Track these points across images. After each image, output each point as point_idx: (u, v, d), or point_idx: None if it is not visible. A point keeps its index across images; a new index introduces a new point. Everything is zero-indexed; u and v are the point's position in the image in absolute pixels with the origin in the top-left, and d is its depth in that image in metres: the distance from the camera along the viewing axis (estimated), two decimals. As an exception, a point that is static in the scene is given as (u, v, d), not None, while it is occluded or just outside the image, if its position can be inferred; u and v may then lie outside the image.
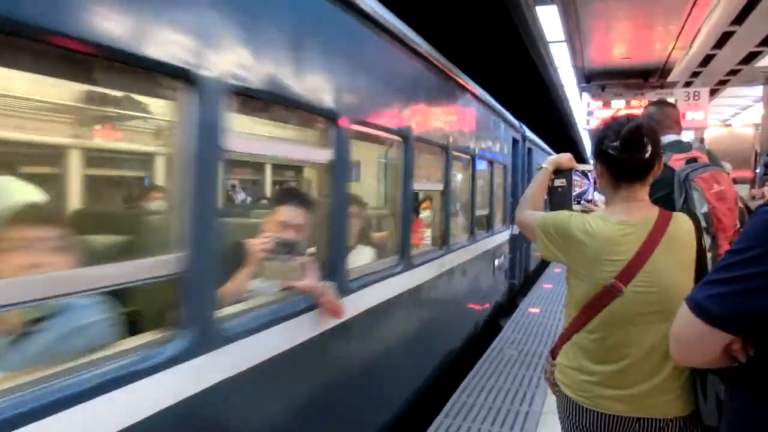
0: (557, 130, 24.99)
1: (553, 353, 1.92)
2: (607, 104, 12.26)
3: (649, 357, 1.66)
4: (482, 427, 3.93)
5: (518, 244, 8.79)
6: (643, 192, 1.76)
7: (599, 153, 1.76)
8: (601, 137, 1.75)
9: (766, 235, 1.06)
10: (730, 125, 20.36)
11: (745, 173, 15.22)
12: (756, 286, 1.05)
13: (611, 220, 1.72)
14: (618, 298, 1.65)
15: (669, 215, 1.73)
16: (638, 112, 2.95)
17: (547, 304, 8.08)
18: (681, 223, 1.73)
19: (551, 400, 4.41)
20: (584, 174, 27.36)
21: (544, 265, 11.61)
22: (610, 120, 1.78)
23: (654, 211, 1.73)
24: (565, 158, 2.16)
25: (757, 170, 14.90)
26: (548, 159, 2.17)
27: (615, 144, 1.69)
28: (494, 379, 4.92)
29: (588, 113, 12.74)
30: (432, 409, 4.35)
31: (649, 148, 1.69)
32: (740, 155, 16.28)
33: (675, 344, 1.22)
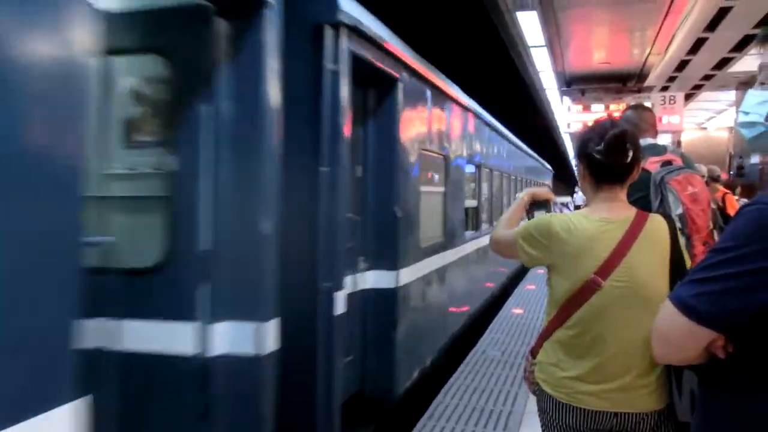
0: (540, 132, 25.27)
1: (533, 352, 1.96)
2: (587, 108, 12.47)
3: (625, 352, 1.72)
4: (466, 428, 3.96)
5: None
6: (623, 193, 1.84)
7: (583, 156, 1.83)
8: (585, 140, 1.82)
9: (751, 233, 1.08)
10: (705, 129, 20.81)
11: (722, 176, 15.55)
12: (741, 285, 1.07)
13: (592, 218, 1.80)
14: (597, 292, 1.71)
15: (646, 215, 1.81)
16: (616, 115, 3.03)
17: (530, 305, 8.17)
18: (657, 224, 1.81)
19: (534, 400, 4.47)
20: (565, 206, 27.26)
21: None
22: (595, 124, 1.86)
23: (632, 211, 1.81)
24: (543, 191, 2.21)
25: (731, 172, 15.26)
26: (525, 190, 2.20)
27: (599, 148, 1.76)
28: (478, 379, 4.96)
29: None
30: (416, 411, 4.37)
31: (631, 153, 1.77)
32: (715, 158, 16.65)
33: (658, 341, 1.23)
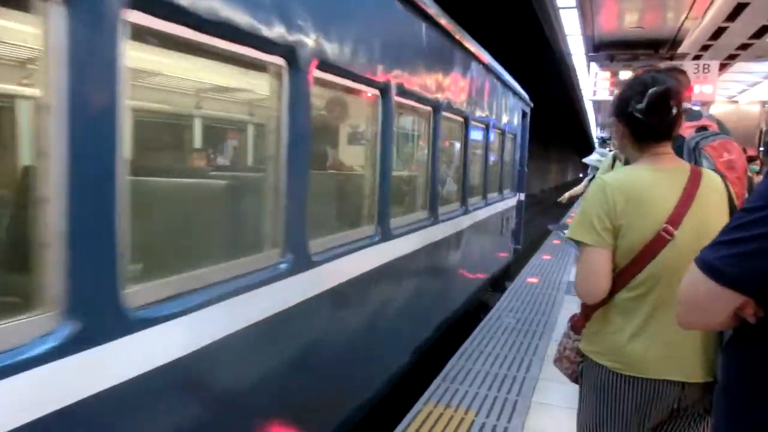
0: (563, 100, 24.67)
1: (576, 327, 1.79)
2: (614, 75, 12.07)
3: None
4: (479, 390, 4.00)
5: None
6: (669, 146, 1.75)
7: (622, 114, 1.73)
8: (625, 98, 1.72)
9: None
10: (736, 101, 20.09)
11: (749, 151, 15.10)
12: None
13: (644, 168, 1.70)
14: (669, 244, 1.59)
15: (699, 169, 1.73)
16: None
17: (546, 275, 8.13)
18: (714, 177, 1.72)
19: (548, 368, 4.49)
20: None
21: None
22: (634, 79, 1.74)
23: (682, 162, 1.74)
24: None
25: (761, 148, 14.79)
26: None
27: (640, 107, 1.66)
28: (492, 345, 4.99)
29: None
30: (430, 372, 4.42)
31: (675, 110, 1.67)
32: (745, 132, 16.11)
33: (682, 306, 1.19)
